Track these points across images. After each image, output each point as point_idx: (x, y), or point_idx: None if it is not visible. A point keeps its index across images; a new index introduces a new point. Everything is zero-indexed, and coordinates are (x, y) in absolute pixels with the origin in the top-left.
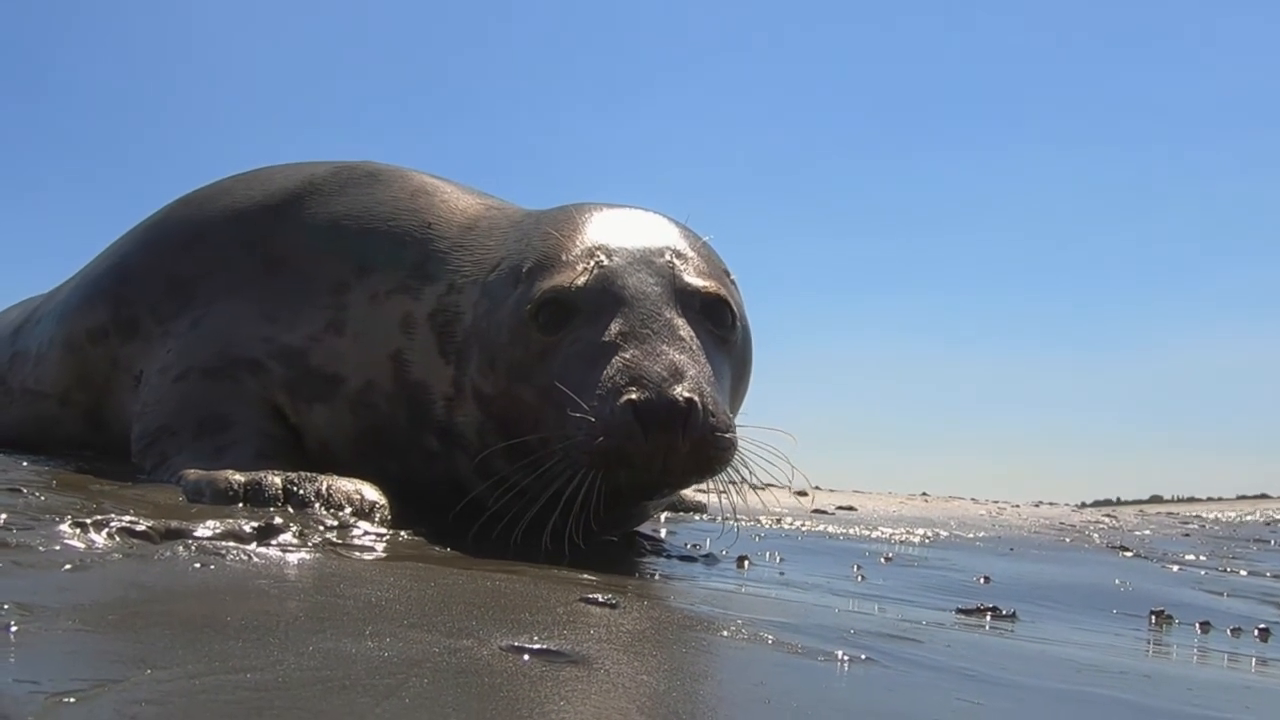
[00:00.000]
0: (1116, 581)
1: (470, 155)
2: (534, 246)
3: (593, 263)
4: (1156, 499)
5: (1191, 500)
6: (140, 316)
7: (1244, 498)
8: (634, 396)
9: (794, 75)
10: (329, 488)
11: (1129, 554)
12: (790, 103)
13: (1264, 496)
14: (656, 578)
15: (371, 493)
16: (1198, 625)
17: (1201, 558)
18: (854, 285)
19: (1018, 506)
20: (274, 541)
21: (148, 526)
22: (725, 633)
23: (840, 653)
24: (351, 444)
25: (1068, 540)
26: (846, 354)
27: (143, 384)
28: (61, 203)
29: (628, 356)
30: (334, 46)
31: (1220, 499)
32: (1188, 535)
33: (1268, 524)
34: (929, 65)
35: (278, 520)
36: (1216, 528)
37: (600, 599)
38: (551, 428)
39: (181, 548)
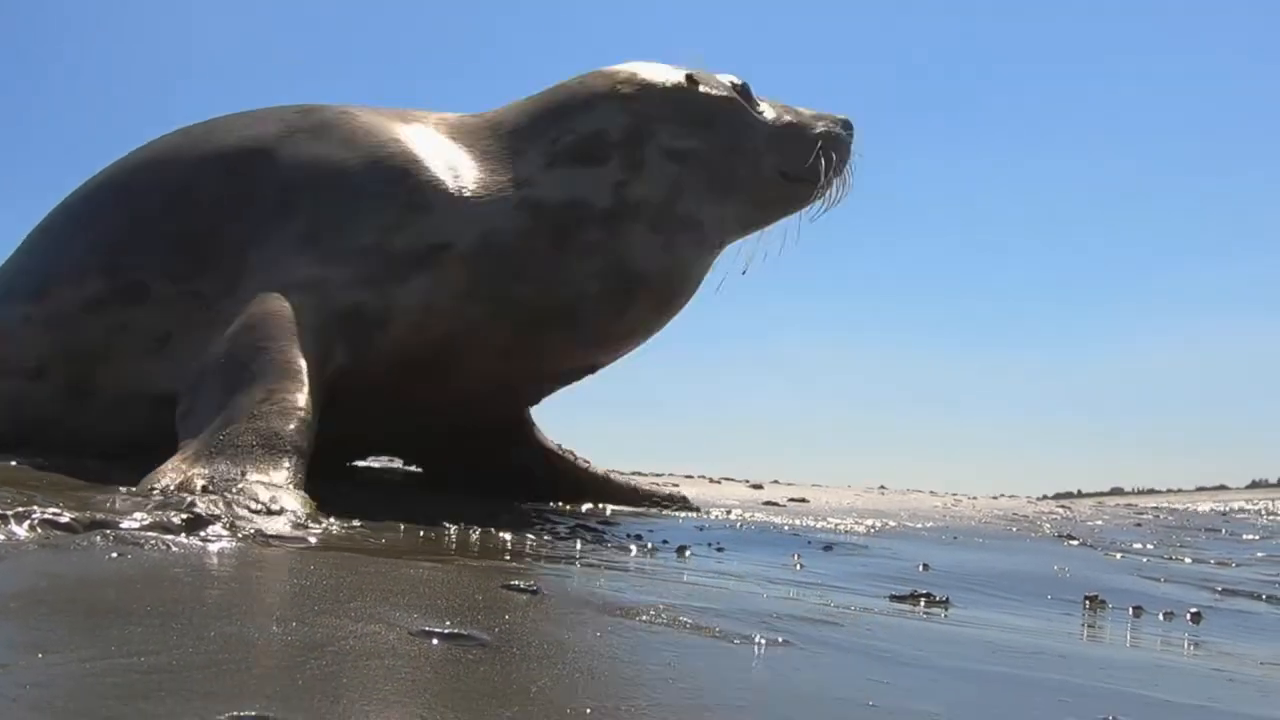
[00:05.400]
0: (1056, 568)
1: None
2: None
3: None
4: (1117, 491)
5: (1151, 492)
6: (147, 280)
7: (1203, 489)
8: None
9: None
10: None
11: (1075, 543)
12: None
13: (1223, 488)
14: (587, 565)
15: (290, 500)
16: (1130, 609)
17: (1149, 546)
18: (822, 282)
19: (974, 499)
20: (203, 533)
21: (72, 518)
22: (644, 617)
23: (758, 636)
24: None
25: (1015, 530)
26: (810, 349)
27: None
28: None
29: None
30: (324, 45)
31: (1180, 490)
32: (1139, 525)
33: (1222, 514)
34: (891, 63)
35: (208, 512)
36: (1170, 518)
37: (521, 585)
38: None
39: (100, 538)
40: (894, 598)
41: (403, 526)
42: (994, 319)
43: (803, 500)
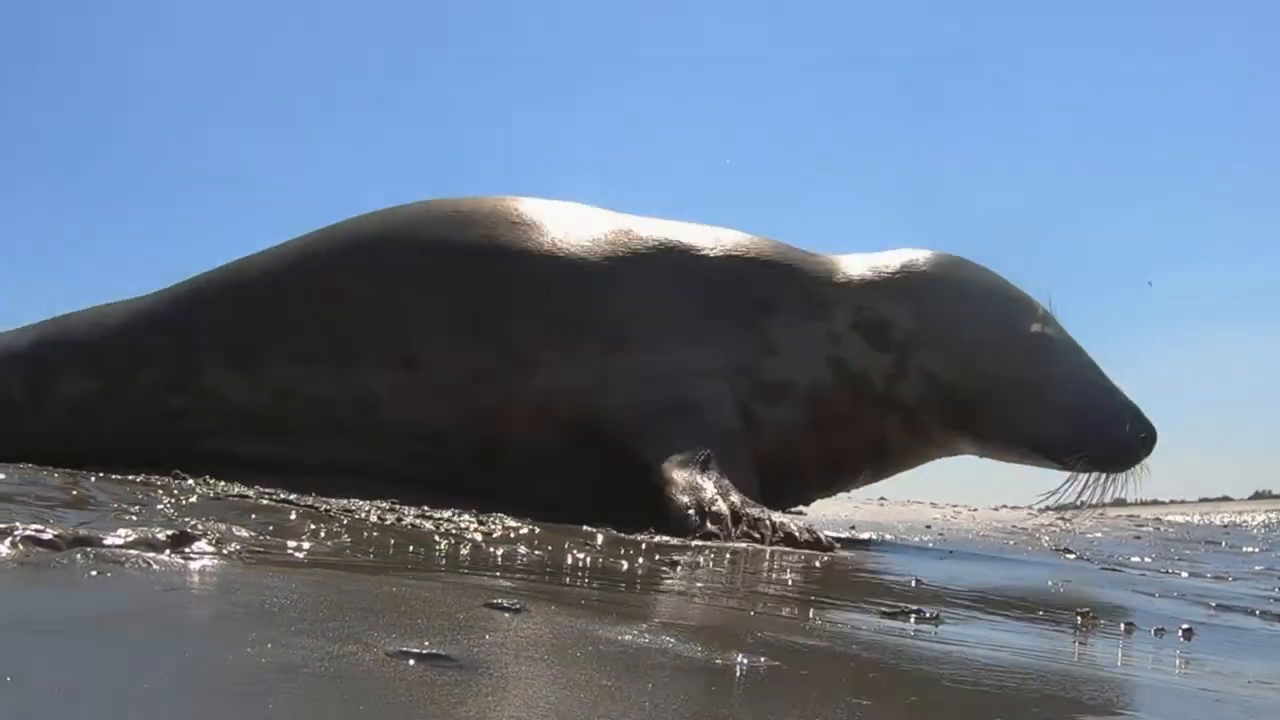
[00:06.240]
0: (1050, 584)
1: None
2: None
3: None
4: (1120, 502)
5: (1155, 503)
6: (532, 351)
7: (1206, 500)
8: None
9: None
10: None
11: (1072, 556)
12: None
13: (1226, 499)
14: (576, 583)
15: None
16: (1123, 626)
17: (1147, 560)
18: None
19: (975, 510)
20: (188, 549)
21: (55, 535)
22: (628, 637)
23: (740, 657)
24: (803, 431)
25: (1013, 543)
26: None
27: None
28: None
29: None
30: (310, 46)
31: (1183, 501)
32: (1139, 538)
33: (1224, 527)
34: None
35: (195, 529)
36: (1171, 530)
37: (505, 604)
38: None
39: (80, 556)
40: (885, 614)
41: (393, 541)
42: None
43: (800, 512)
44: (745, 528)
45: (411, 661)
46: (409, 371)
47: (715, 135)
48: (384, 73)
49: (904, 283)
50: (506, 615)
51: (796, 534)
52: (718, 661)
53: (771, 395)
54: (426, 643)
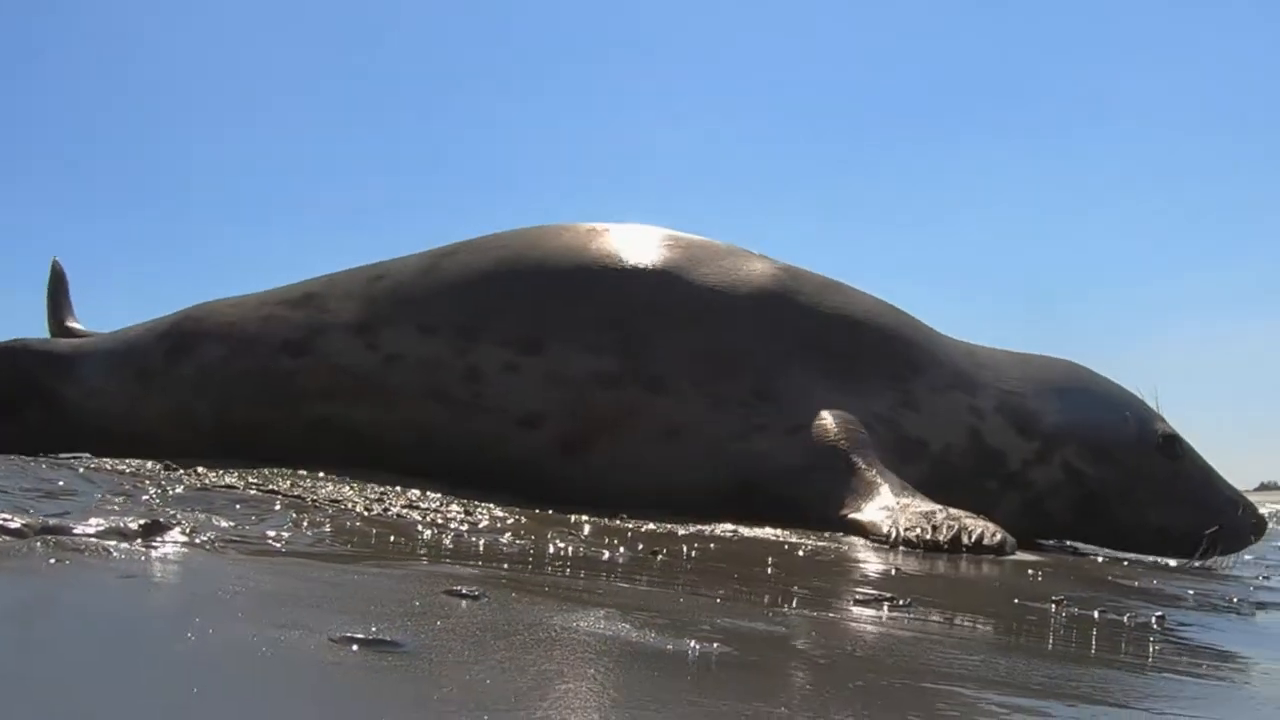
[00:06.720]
0: (1030, 573)
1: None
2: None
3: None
4: None
5: None
6: (667, 376)
7: None
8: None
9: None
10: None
11: (1052, 543)
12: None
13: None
14: (551, 572)
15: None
16: (1096, 613)
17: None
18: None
19: None
20: (159, 539)
21: (23, 524)
22: (584, 624)
23: (693, 643)
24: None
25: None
26: None
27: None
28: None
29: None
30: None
31: None
32: None
33: None
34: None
35: (172, 519)
36: None
37: (465, 592)
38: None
39: (41, 544)
40: (858, 601)
41: (375, 531)
42: (1003, 316)
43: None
44: (942, 533)
45: (355, 647)
46: (528, 355)
47: (705, 135)
48: (375, 72)
49: (1047, 379)
50: (464, 603)
51: (986, 538)
52: (669, 648)
53: (906, 450)
54: (374, 629)
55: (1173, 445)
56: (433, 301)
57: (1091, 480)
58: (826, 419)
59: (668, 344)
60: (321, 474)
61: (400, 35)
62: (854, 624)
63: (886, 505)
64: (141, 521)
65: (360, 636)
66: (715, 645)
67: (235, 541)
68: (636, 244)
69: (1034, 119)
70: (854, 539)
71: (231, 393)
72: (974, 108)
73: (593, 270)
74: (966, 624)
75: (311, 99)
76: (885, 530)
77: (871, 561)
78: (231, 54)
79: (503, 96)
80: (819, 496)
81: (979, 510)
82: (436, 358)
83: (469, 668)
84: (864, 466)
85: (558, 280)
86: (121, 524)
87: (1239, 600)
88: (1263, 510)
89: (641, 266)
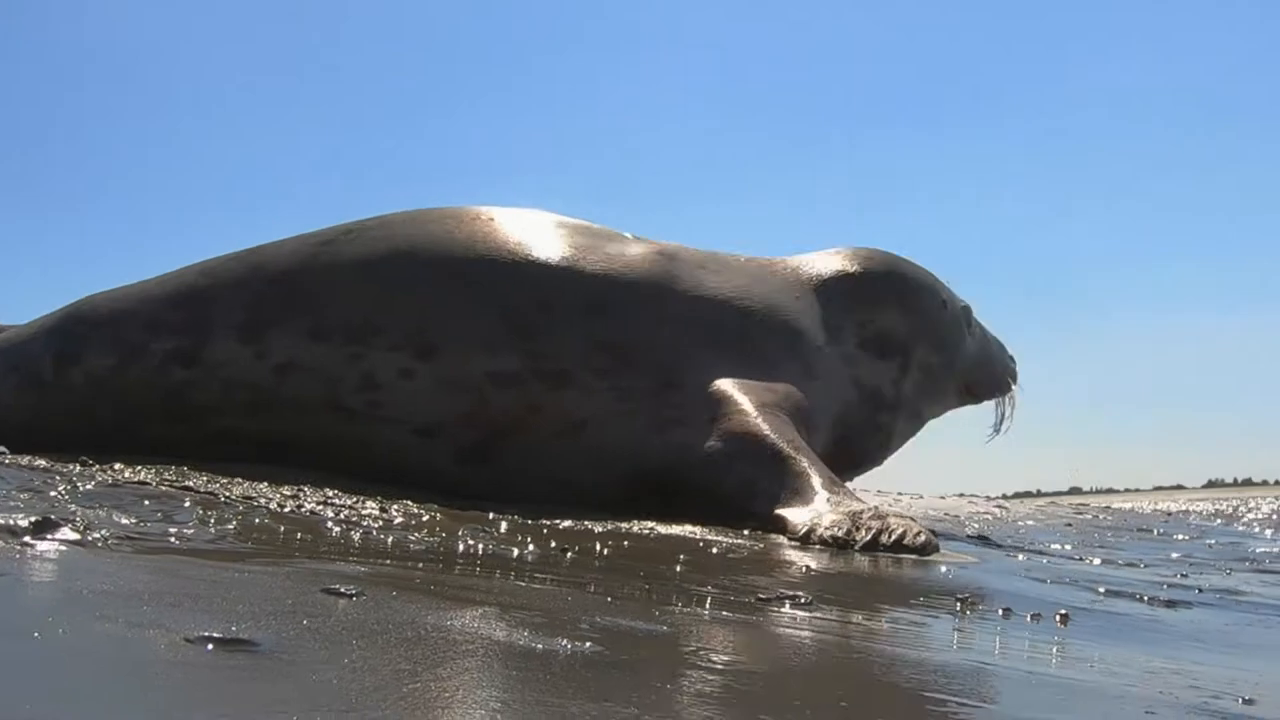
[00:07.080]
0: (945, 570)
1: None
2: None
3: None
4: (1076, 490)
5: (1109, 492)
6: (571, 370)
7: (1160, 489)
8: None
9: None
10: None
11: (984, 543)
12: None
13: (1179, 488)
14: (451, 570)
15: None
16: (1000, 611)
17: (1066, 547)
18: None
19: (921, 497)
20: (49, 536)
21: None
22: (457, 622)
23: (565, 642)
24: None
25: (935, 531)
26: None
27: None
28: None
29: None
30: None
31: (1137, 490)
32: (1069, 525)
33: (1168, 515)
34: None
35: (68, 516)
36: (1108, 517)
37: (343, 590)
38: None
39: None
40: (760, 599)
41: (283, 528)
42: (1003, 315)
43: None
44: (863, 531)
45: (209, 646)
46: (421, 361)
47: (690, 125)
48: (360, 68)
49: (875, 290)
50: (340, 601)
51: (908, 538)
52: (538, 647)
53: (817, 421)
54: (234, 628)
55: (970, 316)
56: (320, 298)
57: (938, 368)
58: (744, 403)
59: (567, 337)
60: (238, 474)
61: (381, 29)
62: (742, 623)
63: (810, 502)
64: (33, 519)
65: (217, 636)
66: (587, 645)
67: (132, 539)
68: (524, 233)
69: (1025, 112)
70: (775, 536)
71: (129, 404)
72: (963, 100)
73: (482, 263)
74: (861, 622)
75: (285, 92)
76: (805, 529)
77: (788, 560)
78: (200, 44)
79: (487, 90)
80: (743, 486)
81: (884, 447)
82: (326, 366)
83: (318, 668)
84: (790, 454)
85: (448, 275)
86: (11, 521)
87: (1149, 599)
88: (1204, 506)
89: (531, 258)
